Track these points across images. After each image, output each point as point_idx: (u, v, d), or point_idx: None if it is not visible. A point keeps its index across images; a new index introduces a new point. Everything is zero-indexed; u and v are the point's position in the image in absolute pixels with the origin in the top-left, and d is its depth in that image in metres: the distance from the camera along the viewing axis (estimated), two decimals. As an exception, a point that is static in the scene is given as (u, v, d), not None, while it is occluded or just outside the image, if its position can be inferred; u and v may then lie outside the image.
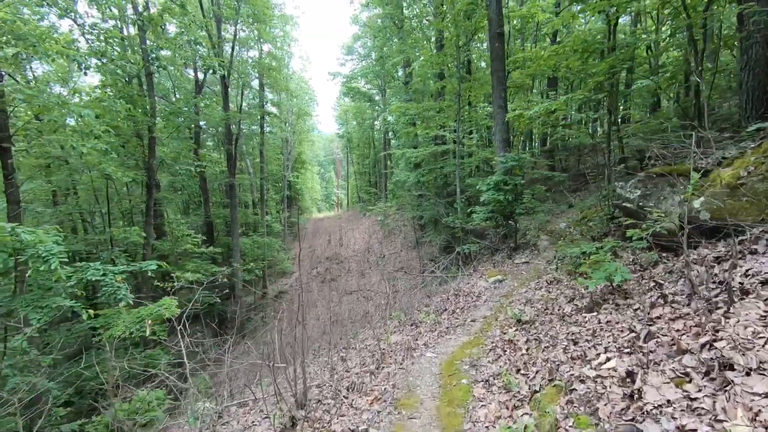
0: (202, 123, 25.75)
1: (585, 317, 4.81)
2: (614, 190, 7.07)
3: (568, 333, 4.61)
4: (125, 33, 15.53)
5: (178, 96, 23.13)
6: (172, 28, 17.41)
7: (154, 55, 13.98)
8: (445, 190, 17.56)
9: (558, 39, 17.43)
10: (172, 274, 16.15)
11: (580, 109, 20.59)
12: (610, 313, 4.51)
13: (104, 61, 12.30)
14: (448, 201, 16.37)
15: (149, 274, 9.17)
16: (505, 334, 5.90)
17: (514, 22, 16.44)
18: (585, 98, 8.51)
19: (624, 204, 6.66)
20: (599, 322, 4.45)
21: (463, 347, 6.11)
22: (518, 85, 15.31)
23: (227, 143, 19.95)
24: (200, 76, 21.66)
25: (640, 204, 6.26)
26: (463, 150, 15.59)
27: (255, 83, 24.77)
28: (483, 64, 21.58)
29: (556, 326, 5.09)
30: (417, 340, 7.39)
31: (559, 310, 5.71)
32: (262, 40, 22.06)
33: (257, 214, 25.53)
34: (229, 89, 19.74)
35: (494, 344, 5.70)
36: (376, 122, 32.10)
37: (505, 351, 5.24)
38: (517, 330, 5.80)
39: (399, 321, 9.80)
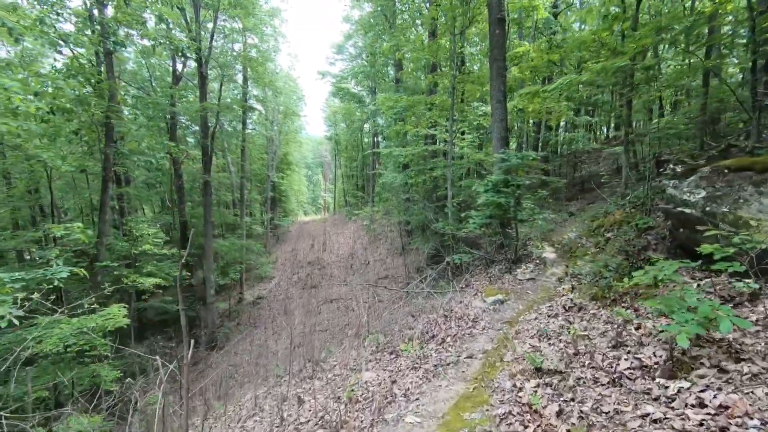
0: (182, 118, 23.64)
1: (666, 387, 2.81)
2: (663, 190, 5.13)
3: (644, 417, 2.61)
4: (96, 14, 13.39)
5: (155, 87, 20.97)
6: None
7: (111, 30, 11.82)
8: (435, 194, 15.61)
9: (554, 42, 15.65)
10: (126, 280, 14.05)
11: (577, 110, 18.90)
12: (719, 389, 2.52)
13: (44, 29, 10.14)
14: (438, 205, 14.42)
15: (56, 283, 6.96)
16: (520, 390, 3.89)
17: (514, 15, 14.61)
18: (626, 65, 6.59)
19: (678, 209, 4.72)
20: (704, 406, 2.45)
21: (460, 405, 4.09)
22: (521, 78, 13.45)
23: (203, 137, 17.78)
24: (179, 67, 19.57)
25: (707, 209, 4.33)
26: (454, 151, 13.67)
27: (239, 78, 22.67)
28: (476, 67, 19.80)
29: (611, 394, 3.09)
30: (395, 383, 5.35)
31: (604, 361, 3.71)
32: (247, 33, 20.04)
33: (237, 214, 23.32)
34: (207, 80, 17.62)
35: (506, 407, 3.69)
36: (365, 125, 30.15)
37: (528, 428, 3.22)
38: (539, 386, 3.79)
39: (377, 345, 7.77)
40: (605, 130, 25.21)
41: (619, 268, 5.39)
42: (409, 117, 13.17)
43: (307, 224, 32.05)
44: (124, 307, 11.82)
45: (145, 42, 16.83)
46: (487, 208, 8.43)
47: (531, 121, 18.42)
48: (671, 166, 10.07)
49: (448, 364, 5.44)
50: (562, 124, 20.55)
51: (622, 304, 4.89)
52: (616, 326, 4.30)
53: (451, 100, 12.21)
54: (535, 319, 6.00)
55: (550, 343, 4.88)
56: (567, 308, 5.76)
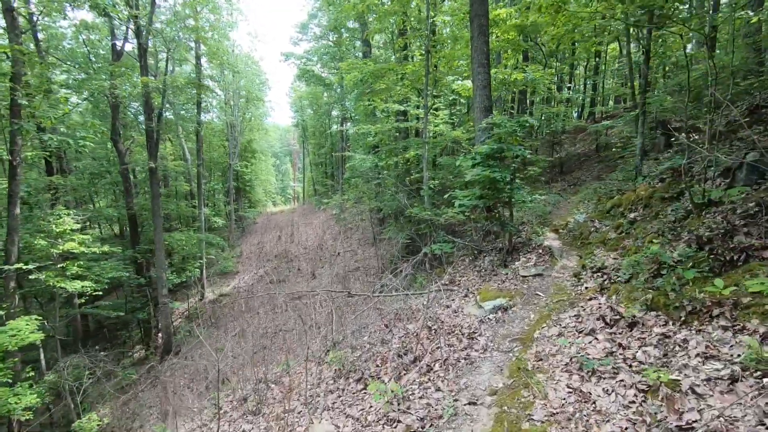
0: (135, 102, 20.66)
1: None
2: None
3: None
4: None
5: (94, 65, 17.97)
6: None
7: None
8: (408, 177, 13.53)
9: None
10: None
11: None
12: None
13: None
14: (412, 189, 12.37)
15: None
16: None
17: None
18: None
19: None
20: None
21: None
22: (501, 48, 11.45)
23: (146, 119, 15.07)
24: (119, 43, 16.69)
25: None
26: (429, 128, 11.61)
27: (193, 59, 19.78)
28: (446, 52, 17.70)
29: None
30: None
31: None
32: (198, 5, 17.20)
33: (195, 206, 20.58)
34: (147, 53, 14.89)
35: None
36: (333, 111, 27.63)
37: None
38: None
39: (340, 367, 5.67)
40: (577, 113, 23.70)
41: (693, 264, 3.45)
42: (377, 85, 11.02)
43: (275, 215, 29.43)
44: (38, 319, 9.33)
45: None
46: (477, 184, 6.41)
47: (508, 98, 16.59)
48: (683, 133, 8.31)
49: (441, 418, 3.40)
50: (539, 100, 18.82)
51: (717, 321, 2.94)
52: (722, 362, 2.32)
53: (425, 67, 10.09)
54: (560, 335, 4.03)
55: (606, 390, 2.90)
56: (608, 321, 3.80)
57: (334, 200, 21.89)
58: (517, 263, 6.29)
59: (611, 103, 21.18)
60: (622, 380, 2.91)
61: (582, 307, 4.39)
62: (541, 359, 3.75)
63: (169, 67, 19.09)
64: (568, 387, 3.12)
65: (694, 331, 3.01)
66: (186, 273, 17.88)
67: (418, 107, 12.34)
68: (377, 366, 5.16)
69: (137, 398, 13.21)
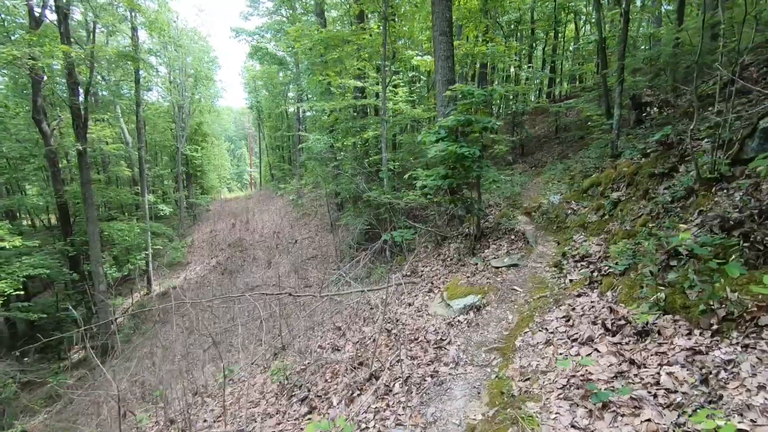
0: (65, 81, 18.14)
1: None
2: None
3: None
4: None
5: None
6: None
7: None
8: (366, 159, 12.44)
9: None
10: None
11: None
12: None
13: None
14: (370, 172, 11.30)
15: None
16: None
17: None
18: None
19: None
20: None
21: None
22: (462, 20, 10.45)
23: (71, 95, 13.04)
24: (37, 9, 14.31)
25: None
26: (389, 106, 10.52)
27: (128, 30, 17.43)
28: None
29: None
30: None
31: None
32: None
33: (138, 193, 18.51)
34: (68, 18, 12.81)
35: None
36: (290, 93, 25.80)
37: None
38: None
39: (282, 382, 4.62)
40: (535, 95, 23.27)
41: (733, 255, 2.63)
42: (330, 56, 9.74)
43: (229, 202, 27.47)
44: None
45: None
46: (442, 165, 5.43)
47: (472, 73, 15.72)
48: (655, 108, 7.71)
49: (404, 472, 2.44)
50: (497, 82, 18.11)
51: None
52: None
53: (382, 34, 8.93)
54: (547, 344, 3.16)
55: (630, 436, 2.02)
56: (609, 327, 2.96)
57: (291, 185, 20.45)
58: (486, 251, 5.42)
59: (565, 85, 20.94)
60: (649, 421, 2.05)
61: (570, 305, 3.55)
62: (528, 378, 2.86)
63: (99, 38, 16.82)
64: (574, 427, 2.23)
65: (738, 347, 2.19)
66: (128, 266, 16.06)
67: (377, 83, 11.22)
68: (326, 381, 4.16)
69: (72, 406, 11.57)
